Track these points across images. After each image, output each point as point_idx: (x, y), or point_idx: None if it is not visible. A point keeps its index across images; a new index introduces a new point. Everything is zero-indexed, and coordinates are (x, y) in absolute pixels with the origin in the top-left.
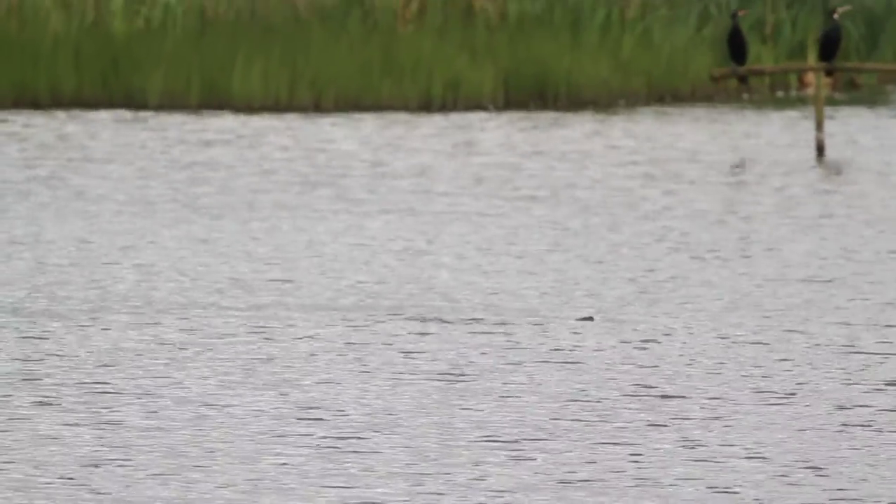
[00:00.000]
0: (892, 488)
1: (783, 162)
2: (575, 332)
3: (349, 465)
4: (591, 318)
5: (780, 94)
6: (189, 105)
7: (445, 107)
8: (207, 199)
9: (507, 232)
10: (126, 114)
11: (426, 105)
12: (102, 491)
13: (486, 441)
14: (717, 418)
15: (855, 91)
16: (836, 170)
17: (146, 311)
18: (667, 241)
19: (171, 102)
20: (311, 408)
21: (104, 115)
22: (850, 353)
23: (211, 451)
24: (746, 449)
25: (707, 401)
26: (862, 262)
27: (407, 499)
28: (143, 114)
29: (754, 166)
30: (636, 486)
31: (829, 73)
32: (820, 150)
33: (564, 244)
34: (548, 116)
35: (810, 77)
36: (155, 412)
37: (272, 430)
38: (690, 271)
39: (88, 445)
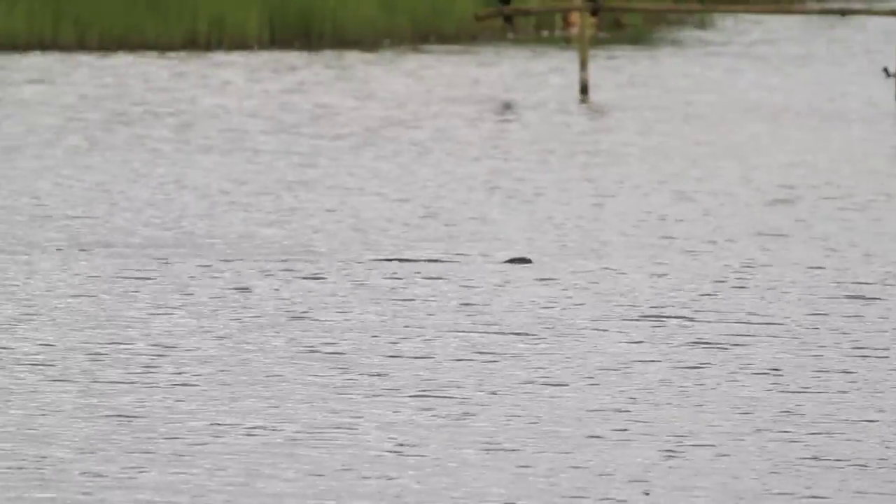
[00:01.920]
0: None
1: (548, 101)
2: (372, 269)
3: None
4: (528, 261)
5: (545, 33)
6: None
7: (210, 45)
8: (7, 140)
9: (319, 171)
10: None
11: (191, 44)
12: None
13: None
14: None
15: (620, 31)
16: (601, 109)
17: None
18: (450, 176)
19: None
20: (101, 343)
21: None
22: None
23: None
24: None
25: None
26: (633, 195)
27: (212, 436)
28: None
29: (520, 106)
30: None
31: (593, 12)
32: (584, 89)
33: (374, 183)
34: (325, 55)
35: (575, 17)
36: None
37: (60, 369)
38: (486, 208)
39: None
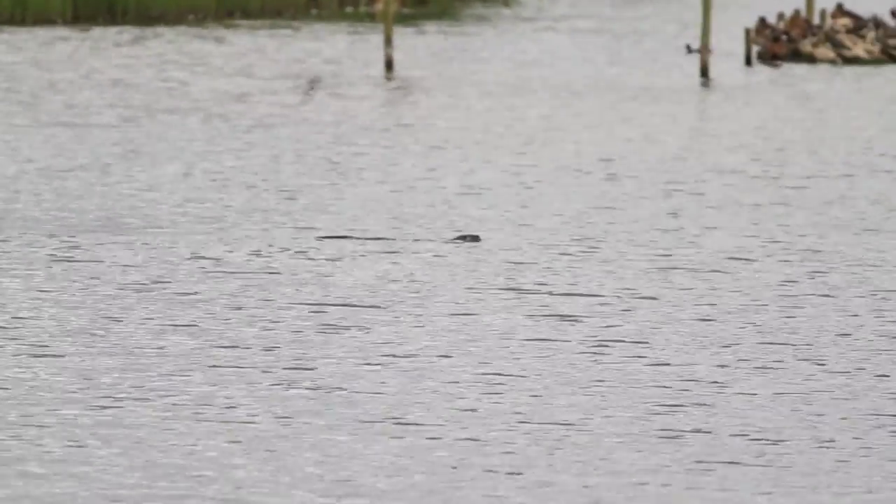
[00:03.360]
0: None
1: (354, 77)
2: (202, 240)
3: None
4: (476, 238)
5: (349, 9)
6: None
7: (14, 21)
8: None
9: (155, 145)
10: None
11: None
12: None
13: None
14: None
15: (423, 6)
16: (405, 84)
17: None
18: (260, 149)
19: None
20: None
21: None
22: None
23: None
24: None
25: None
26: (450, 170)
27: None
28: None
29: (326, 82)
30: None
31: None
32: (389, 65)
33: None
34: (137, 32)
35: None
36: None
37: None
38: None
39: None
